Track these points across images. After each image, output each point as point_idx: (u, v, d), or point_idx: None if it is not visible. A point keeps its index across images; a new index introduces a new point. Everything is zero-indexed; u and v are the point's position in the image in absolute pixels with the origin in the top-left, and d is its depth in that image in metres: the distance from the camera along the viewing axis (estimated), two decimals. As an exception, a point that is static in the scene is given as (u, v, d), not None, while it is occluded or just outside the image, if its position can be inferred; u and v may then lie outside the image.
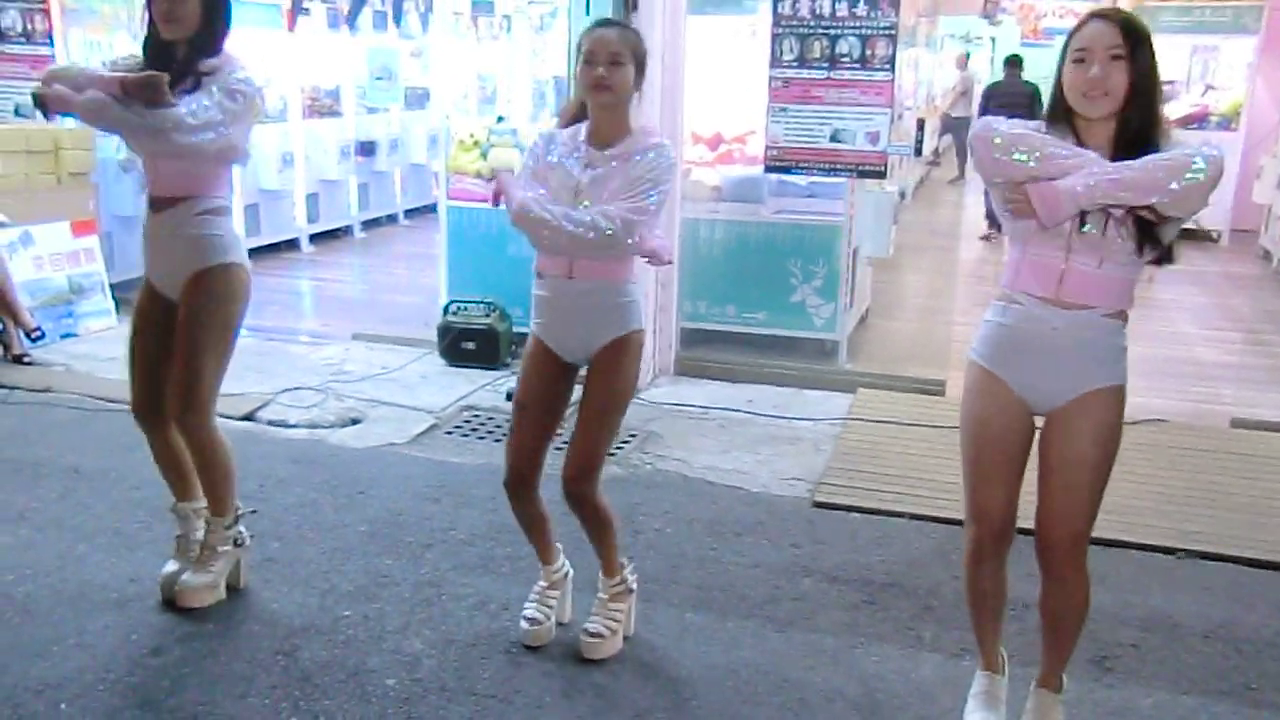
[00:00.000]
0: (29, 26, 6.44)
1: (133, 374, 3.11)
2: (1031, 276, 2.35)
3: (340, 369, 5.62)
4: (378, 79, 9.53)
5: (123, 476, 4.03)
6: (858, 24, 5.09)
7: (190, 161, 2.90)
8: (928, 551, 3.68)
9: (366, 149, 9.83)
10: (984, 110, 10.91)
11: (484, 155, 5.99)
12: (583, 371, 2.89)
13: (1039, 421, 2.45)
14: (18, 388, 5.14)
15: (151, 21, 2.90)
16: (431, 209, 10.40)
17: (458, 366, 5.63)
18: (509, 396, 5.12)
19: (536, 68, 8.98)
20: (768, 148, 5.36)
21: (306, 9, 9.26)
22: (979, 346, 2.47)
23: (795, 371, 5.58)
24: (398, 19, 10.65)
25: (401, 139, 10.34)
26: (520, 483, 2.90)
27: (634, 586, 3.05)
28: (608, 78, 2.66)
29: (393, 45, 10.26)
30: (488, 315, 5.68)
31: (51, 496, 3.89)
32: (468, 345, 5.65)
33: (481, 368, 5.56)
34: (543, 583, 3.07)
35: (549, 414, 2.89)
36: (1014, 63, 10.11)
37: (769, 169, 5.47)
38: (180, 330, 2.98)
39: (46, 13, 6.46)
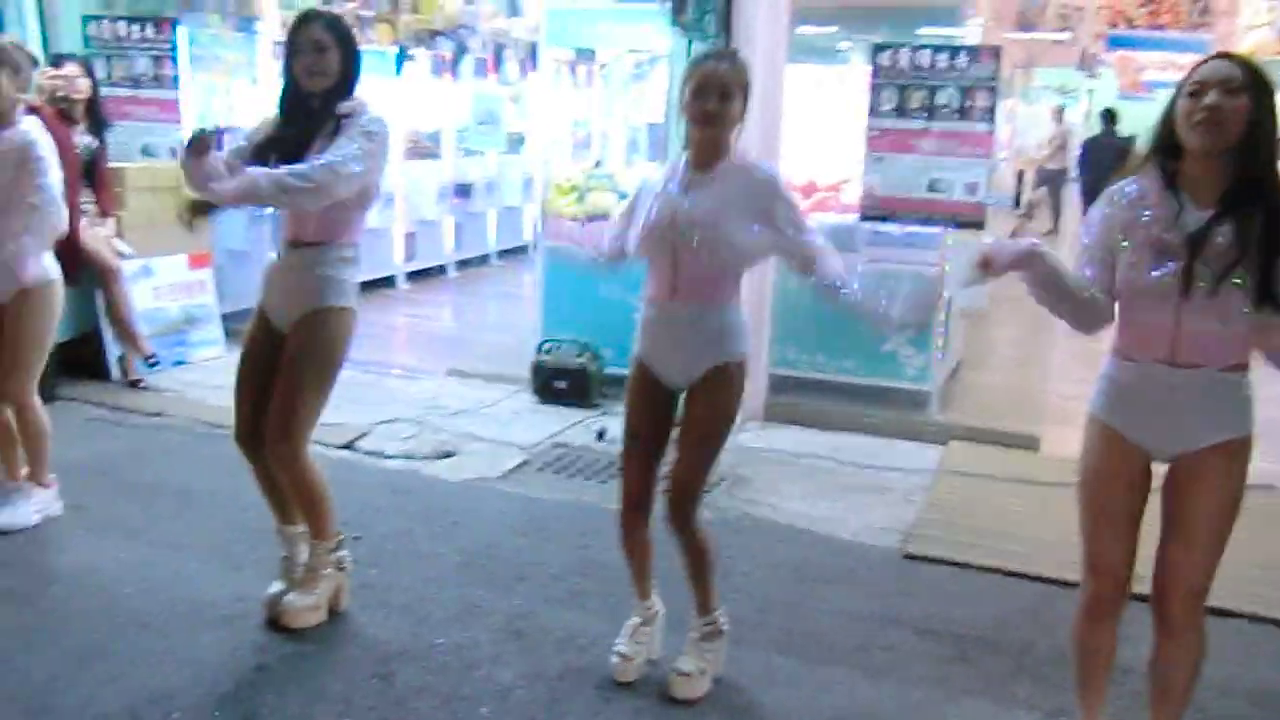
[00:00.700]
0: (159, 72, 6.81)
1: (239, 401, 3.25)
2: (1140, 339, 2.33)
3: (435, 403, 5.75)
4: (481, 123, 9.80)
5: (230, 499, 4.18)
6: (958, 75, 5.11)
7: (329, 207, 3.03)
8: (1020, 609, 3.62)
9: (463, 191, 10.10)
10: (1082, 163, 10.79)
11: (581, 199, 6.12)
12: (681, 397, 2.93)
13: (1158, 469, 2.42)
14: (134, 411, 5.38)
15: (289, 72, 3.06)
16: (523, 250, 10.65)
17: (549, 404, 5.73)
18: (600, 436, 5.19)
19: (632, 114, 9.17)
20: (864, 196, 5.39)
21: (411, 55, 9.60)
22: (1097, 400, 2.45)
23: (885, 421, 5.55)
24: (498, 65, 10.97)
25: (497, 182, 10.60)
26: (635, 509, 2.95)
27: (725, 628, 3.06)
28: (717, 112, 2.74)
29: (495, 91, 10.56)
30: (580, 355, 5.77)
31: (165, 515, 4.06)
32: (560, 384, 5.75)
33: (573, 406, 5.65)
34: (636, 619, 3.10)
35: (657, 439, 2.94)
36: (1110, 117, 10.00)
37: (864, 217, 5.49)
38: (286, 364, 3.11)
39: (174, 59, 6.83)
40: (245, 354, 3.25)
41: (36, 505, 3.90)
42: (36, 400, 3.87)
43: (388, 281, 9.21)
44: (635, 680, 3.02)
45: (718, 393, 2.84)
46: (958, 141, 5.17)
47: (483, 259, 10.74)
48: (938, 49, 5.19)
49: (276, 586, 3.30)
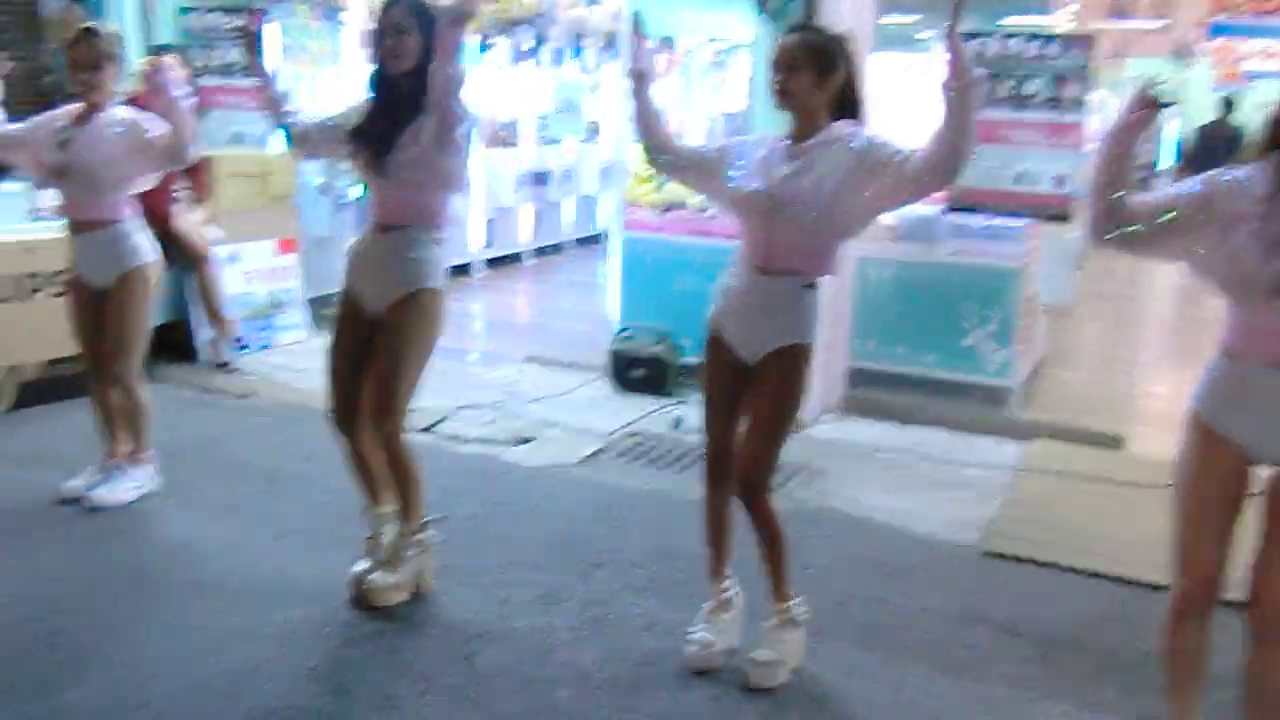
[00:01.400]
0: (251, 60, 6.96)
1: (332, 383, 3.32)
2: (1247, 337, 2.27)
3: (513, 389, 5.82)
4: (561, 111, 9.85)
5: (316, 480, 4.28)
6: (1048, 65, 5.01)
7: (419, 191, 3.11)
8: (1103, 610, 3.56)
9: (540, 179, 10.17)
10: (1195, 149, 10.56)
11: (660, 187, 6.13)
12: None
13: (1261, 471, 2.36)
14: (223, 393, 5.54)
15: (375, 57, 3.13)
16: (598, 239, 10.70)
17: (626, 392, 5.76)
18: (676, 425, 5.21)
19: (711, 103, 9.14)
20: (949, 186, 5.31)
21: (491, 44, 9.68)
22: (1200, 397, 2.39)
23: (965, 416, 5.47)
24: (576, 53, 11.01)
25: (574, 170, 10.66)
26: (717, 471, 2.97)
27: (802, 619, 3.06)
28: (783, 85, 2.76)
29: (575, 79, 10.61)
30: (658, 344, 5.79)
31: (254, 494, 4.17)
32: (637, 372, 5.77)
33: (649, 394, 5.67)
34: (710, 603, 3.11)
35: (731, 407, 2.95)
36: (1228, 105, 9.93)
37: (948, 209, 5.42)
38: (383, 345, 3.18)
39: (259, 49, 6.96)
40: (336, 337, 3.32)
41: (135, 482, 4.03)
42: (140, 380, 4.00)
43: (465, 268, 9.33)
44: (713, 669, 3.03)
45: (790, 373, 2.84)
46: (1047, 132, 5.06)
47: (558, 247, 10.82)
48: (1028, 37, 5.08)
49: (361, 565, 3.38)
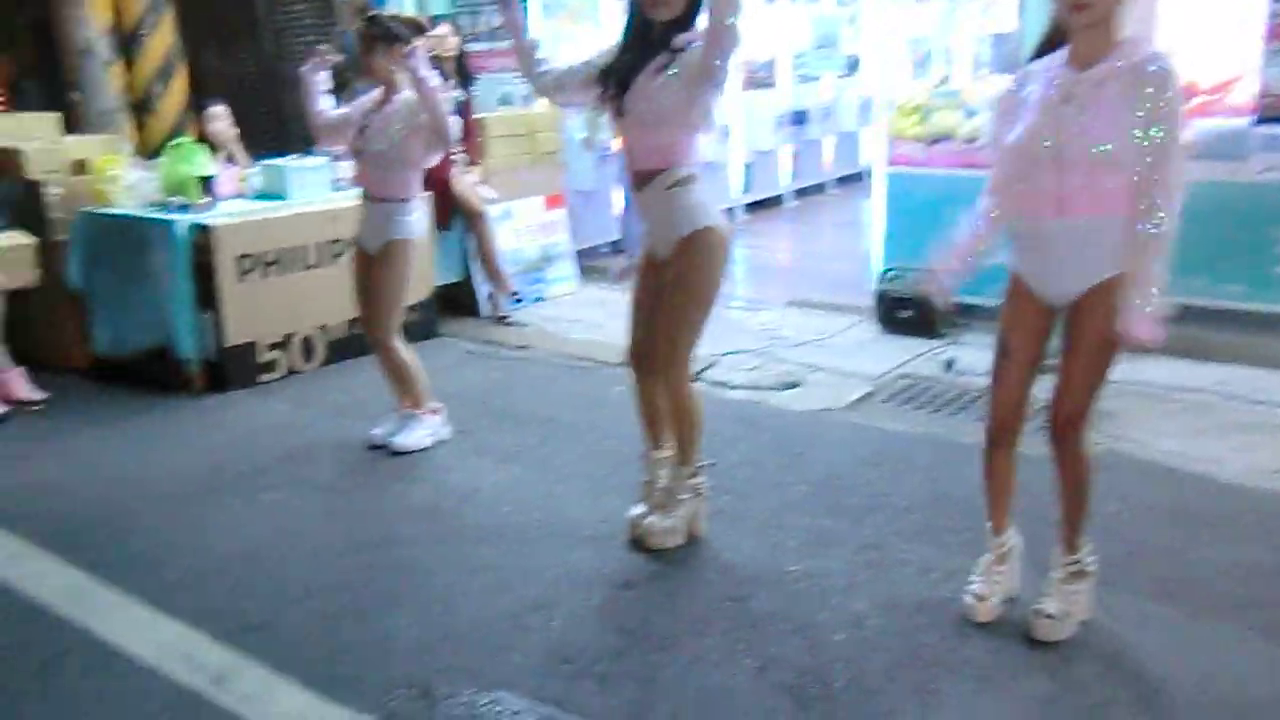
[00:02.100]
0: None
1: (632, 326, 3.42)
2: None
3: (777, 334, 5.81)
4: (819, 47, 9.64)
5: (592, 428, 4.47)
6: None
7: (663, 132, 3.12)
8: None
9: (799, 118, 10.00)
10: None
11: (925, 119, 5.88)
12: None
13: None
14: (502, 345, 5.86)
15: (635, 2, 3.16)
16: (859, 177, 10.42)
17: (894, 334, 5.61)
18: (948, 366, 5.03)
19: (975, 26, 8.64)
20: (1261, 95, 4.77)
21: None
22: None
23: (1276, 352, 4.95)
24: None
25: (833, 107, 10.40)
26: (1005, 431, 2.86)
27: (1092, 569, 2.89)
28: None
29: (834, 12, 10.32)
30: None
31: (533, 442, 4.41)
32: (904, 313, 5.60)
33: (918, 336, 5.50)
34: (990, 556, 3.00)
35: (1032, 360, 2.81)
36: None
37: (1261, 119, 4.86)
38: (668, 290, 3.24)
39: (524, 10, 7.23)
40: (638, 281, 3.41)
41: (429, 429, 4.36)
42: (398, 342, 4.29)
43: (725, 213, 9.34)
44: (993, 620, 2.93)
45: (1112, 306, 2.62)
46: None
47: (819, 187, 10.63)
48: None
49: (638, 509, 3.50)
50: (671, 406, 3.34)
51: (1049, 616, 2.82)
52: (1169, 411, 4.46)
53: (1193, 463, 3.95)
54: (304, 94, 4.33)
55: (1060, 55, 2.62)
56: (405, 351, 4.32)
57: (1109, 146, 2.51)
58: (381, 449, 4.31)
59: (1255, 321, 5.22)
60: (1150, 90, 2.46)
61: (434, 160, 4.23)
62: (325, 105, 4.33)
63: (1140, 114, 2.47)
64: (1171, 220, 2.52)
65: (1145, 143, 2.48)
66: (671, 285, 3.22)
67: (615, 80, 3.18)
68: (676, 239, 3.19)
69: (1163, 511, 3.59)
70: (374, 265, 4.21)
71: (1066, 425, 2.74)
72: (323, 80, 4.33)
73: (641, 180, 3.23)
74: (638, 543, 3.43)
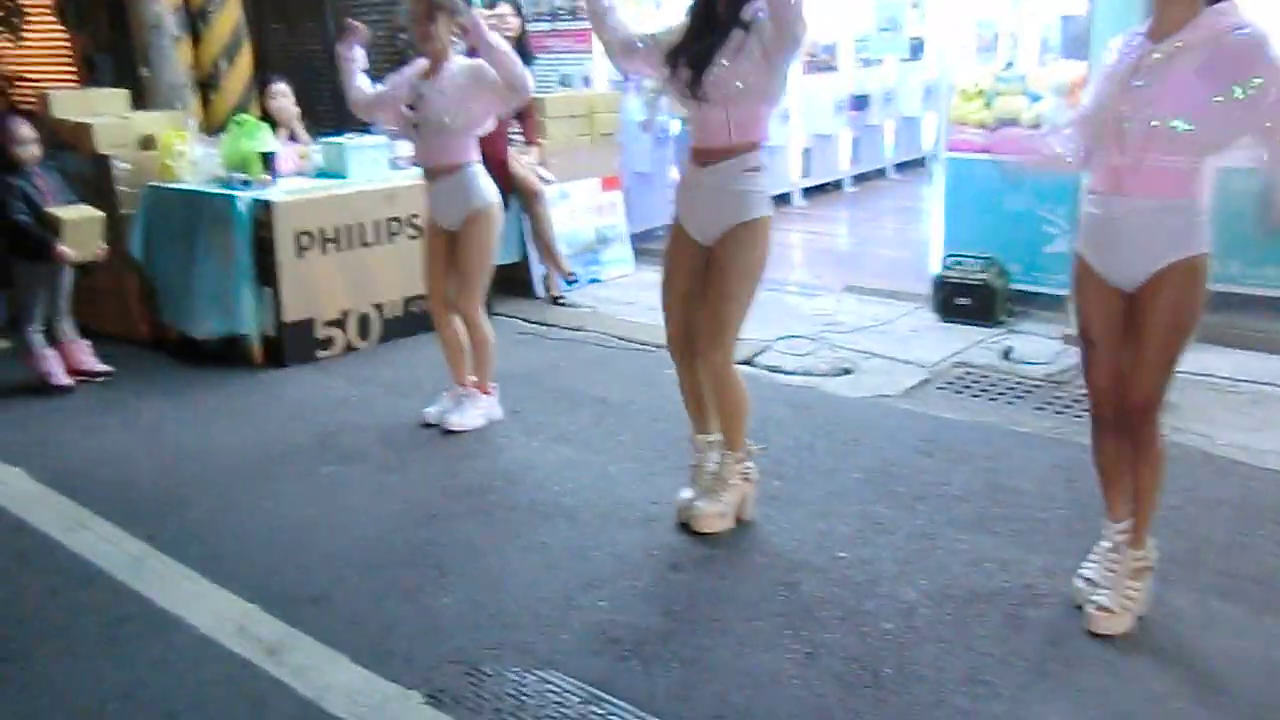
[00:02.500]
0: (574, 5, 7.25)
1: (668, 311, 3.41)
2: None
3: (832, 320, 5.75)
4: (883, 30, 9.49)
5: (643, 409, 4.47)
6: None
7: (743, 107, 3.09)
8: None
9: (859, 103, 9.86)
10: None
11: (988, 104, 5.77)
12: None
13: None
14: (556, 325, 5.87)
15: None
16: (921, 163, 10.25)
17: (951, 322, 5.52)
18: (1006, 355, 4.94)
19: (1044, 8, 8.42)
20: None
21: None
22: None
23: (1351, 345, 4.80)
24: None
25: (895, 91, 10.24)
26: (1108, 416, 2.79)
27: (1154, 564, 2.83)
28: None
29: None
30: (985, 271, 5.49)
31: (586, 422, 4.41)
32: (962, 301, 5.51)
33: (976, 324, 5.41)
34: (1106, 543, 2.90)
35: (1114, 343, 2.74)
36: None
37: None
38: (714, 275, 3.22)
39: (584, -8, 7.23)
40: (668, 267, 3.40)
41: (482, 408, 4.38)
42: (483, 315, 4.33)
43: (784, 198, 9.26)
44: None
45: (1182, 290, 2.57)
46: None
47: (879, 173, 10.49)
48: None
49: (687, 493, 3.49)
50: (717, 392, 3.32)
51: (1106, 610, 2.76)
52: (1233, 404, 4.34)
53: (1260, 456, 3.85)
54: (340, 71, 4.36)
55: (1145, 26, 2.57)
56: (488, 325, 4.35)
57: (1176, 122, 2.44)
58: (434, 427, 4.34)
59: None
60: (1240, 61, 2.39)
61: (494, 123, 4.22)
62: (362, 82, 4.36)
63: (1224, 88, 2.40)
64: None
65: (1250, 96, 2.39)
66: (722, 268, 3.20)
67: (688, 62, 3.14)
68: (733, 224, 3.17)
69: (1228, 506, 3.50)
70: (459, 240, 4.22)
71: (1137, 415, 2.68)
72: (358, 57, 4.35)
73: (711, 158, 3.20)
74: (686, 526, 3.42)
